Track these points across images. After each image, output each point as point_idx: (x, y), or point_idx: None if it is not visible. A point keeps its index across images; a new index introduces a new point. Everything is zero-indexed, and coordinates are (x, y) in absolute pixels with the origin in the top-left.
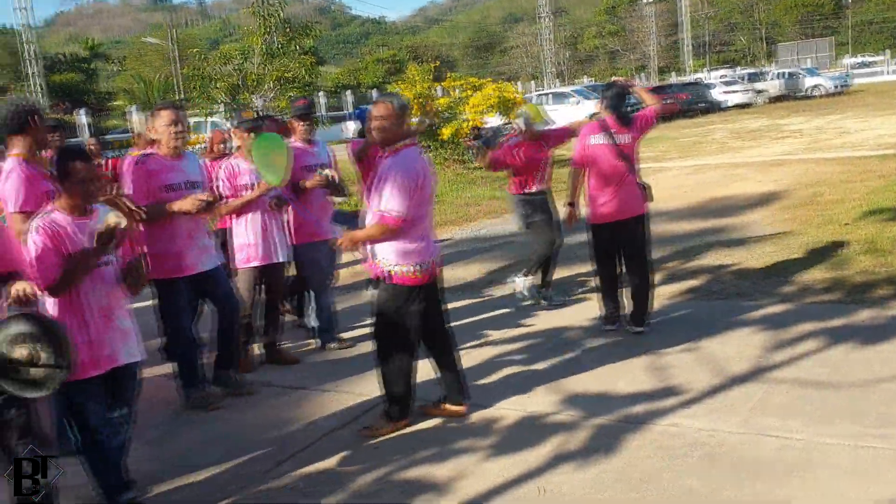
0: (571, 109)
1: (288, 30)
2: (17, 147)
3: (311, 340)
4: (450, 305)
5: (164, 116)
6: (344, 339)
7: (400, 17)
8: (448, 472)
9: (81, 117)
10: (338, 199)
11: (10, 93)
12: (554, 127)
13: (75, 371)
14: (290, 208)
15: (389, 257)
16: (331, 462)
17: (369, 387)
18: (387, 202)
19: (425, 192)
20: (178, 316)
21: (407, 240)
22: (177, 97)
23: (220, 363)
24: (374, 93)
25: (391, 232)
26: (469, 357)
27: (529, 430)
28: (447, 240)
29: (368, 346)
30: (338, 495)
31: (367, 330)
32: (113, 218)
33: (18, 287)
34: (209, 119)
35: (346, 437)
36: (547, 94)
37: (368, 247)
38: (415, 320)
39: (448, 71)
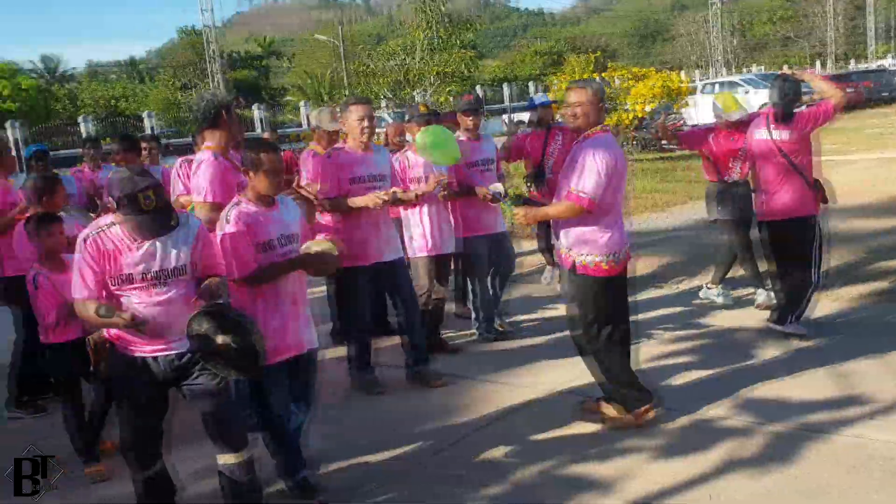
0: (741, 98)
1: (448, 24)
2: (211, 140)
3: (471, 331)
4: None
5: (355, 111)
6: (502, 330)
7: (560, 9)
8: (612, 472)
9: (256, 112)
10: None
11: (194, 90)
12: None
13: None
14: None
15: (576, 246)
16: (491, 453)
17: (530, 378)
18: (578, 182)
19: (620, 179)
20: (356, 303)
21: (596, 227)
22: (343, 92)
23: (411, 360)
24: (531, 85)
25: (577, 213)
26: (637, 355)
27: (700, 434)
28: None
29: (533, 338)
30: (497, 486)
31: (534, 321)
32: (317, 246)
33: (210, 281)
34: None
35: (506, 427)
36: (714, 84)
37: (559, 235)
38: (604, 312)
39: (609, 61)
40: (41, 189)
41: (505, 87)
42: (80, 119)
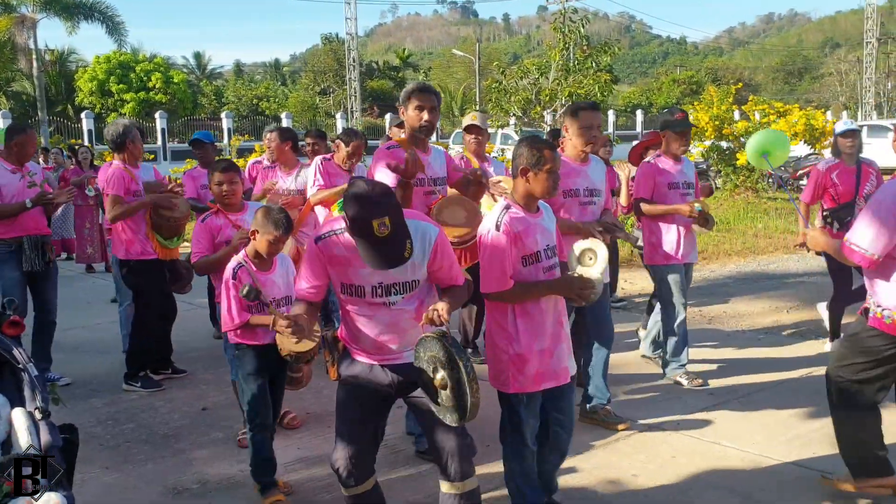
0: (889, 142)
1: (586, 47)
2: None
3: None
4: (741, 345)
5: (583, 118)
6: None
7: (703, 39)
8: None
9: (388, 121)
10: (703, 230)
11: (332, 95)
12: None
13: (520, 386)
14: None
15: (876, 294)
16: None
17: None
18: (854, 232)
19: None
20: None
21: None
22: (474, 107)
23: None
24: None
25: (850, 264)
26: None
27: None
28: (729, 275)
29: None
30: None
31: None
32: (587, 269)
33: (436, 307)
34: (500, 131)
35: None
36: (862, 126)
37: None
38: (878, 372)
39: (751, 95)
40: None
41: (638, 113)
42: (223, 115)
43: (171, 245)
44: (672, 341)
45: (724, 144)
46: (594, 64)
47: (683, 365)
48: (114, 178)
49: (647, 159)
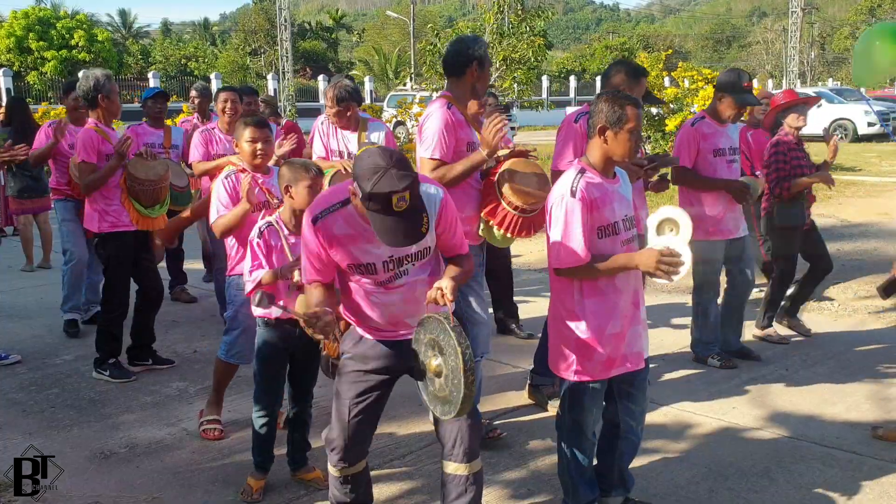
0: (811, 112)
1: (520, 10)
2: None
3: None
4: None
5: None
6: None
7: (636, 6)
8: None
9: (321, 84)
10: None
11: (262, 56)
12: None
13: (586, 374)
14: None
15: None
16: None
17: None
18: None
19: None
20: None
21: None
22: (409, 71)
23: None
24: (598, 80)
25: None
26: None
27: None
28: None
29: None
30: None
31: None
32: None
33: (440, 285)
34: (436, 94)
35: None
36: None
37: None
38: None
39: (680, 62)
40: None
41: (572, 79)
42: (149, 75)
43: (153, 213)
44: (705, 323)
45: (653, 110)
46: (528, 28)
47: (717, 346)
48: (83, 141)
49: (687, 121)
